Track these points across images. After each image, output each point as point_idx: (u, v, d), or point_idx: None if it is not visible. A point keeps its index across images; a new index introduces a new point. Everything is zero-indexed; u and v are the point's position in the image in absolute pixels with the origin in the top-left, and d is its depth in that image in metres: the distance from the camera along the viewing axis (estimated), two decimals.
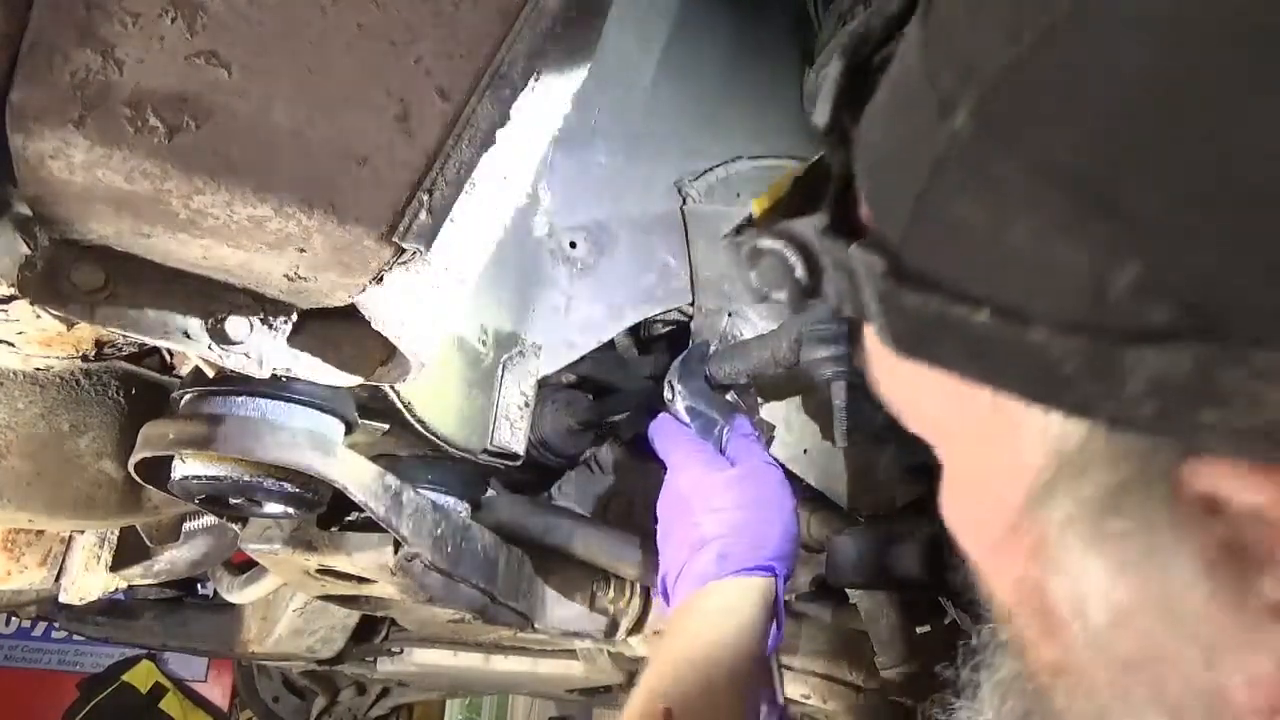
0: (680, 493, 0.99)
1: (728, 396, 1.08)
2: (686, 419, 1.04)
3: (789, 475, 1.04)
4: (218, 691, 3.77)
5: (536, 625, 1.12)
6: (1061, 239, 0.28)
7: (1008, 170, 0.29)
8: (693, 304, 1.15)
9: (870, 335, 0.37)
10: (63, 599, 1.29)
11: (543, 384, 1.09)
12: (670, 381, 1.06)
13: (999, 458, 0.35)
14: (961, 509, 0.39)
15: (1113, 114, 0.27)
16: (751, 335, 1.11)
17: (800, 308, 0.39)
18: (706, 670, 0.86)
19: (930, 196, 0.31)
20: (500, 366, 1.02)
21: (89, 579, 1.27)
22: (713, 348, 1.09)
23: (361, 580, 1.04)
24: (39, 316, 0.72)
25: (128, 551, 1.33)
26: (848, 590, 1.21)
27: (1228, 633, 0.28)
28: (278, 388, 0.82)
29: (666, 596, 0.97)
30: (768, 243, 0.38)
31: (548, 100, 0.62)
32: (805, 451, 1.14)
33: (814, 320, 0.97)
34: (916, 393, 0.37)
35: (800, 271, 0.38)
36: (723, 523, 0.95)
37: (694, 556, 0.93)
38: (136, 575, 1.33)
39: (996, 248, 0.30)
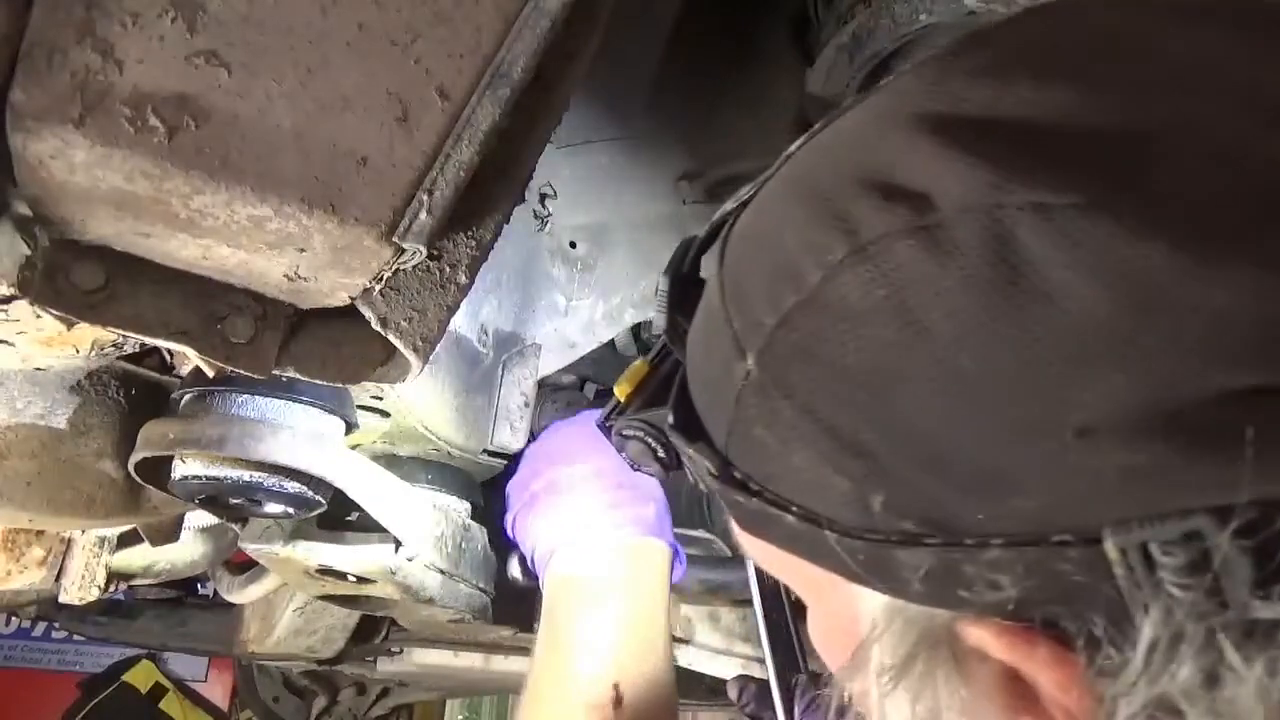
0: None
1: None
2: None
3: None
4: (218, 691, 3.76)
5: (537, 625, 1.12)
6: (829, 468, 0.36)
7: (785, 410, 0.37)
8: None
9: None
10: (63, 599, 1.29)
11: (543, 384, 1.09)
12: None
13: (837, 609, 0.43)
14: (817, 635, 0.49)
15: (844, 384, 0.35)
16: None
17: (666, 477, 0.50)
18: (649, 638, 0.89)
19: (737, 421, 0.40)
20: (500, 366, 1.02)
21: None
22: None
23: (361, 580, 1.04)
24: (39, 316, 0.72)
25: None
26: None
27: None
28: (278, 387, 0.82)
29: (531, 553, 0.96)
30: (631, 430, 0.48)
31: (547, 100, 0.62)
32: None
33: None
34: (767, 555, 0.45)
35: (661, 453, 0.48)
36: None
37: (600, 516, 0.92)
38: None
39: (788, 466, 0.38)
